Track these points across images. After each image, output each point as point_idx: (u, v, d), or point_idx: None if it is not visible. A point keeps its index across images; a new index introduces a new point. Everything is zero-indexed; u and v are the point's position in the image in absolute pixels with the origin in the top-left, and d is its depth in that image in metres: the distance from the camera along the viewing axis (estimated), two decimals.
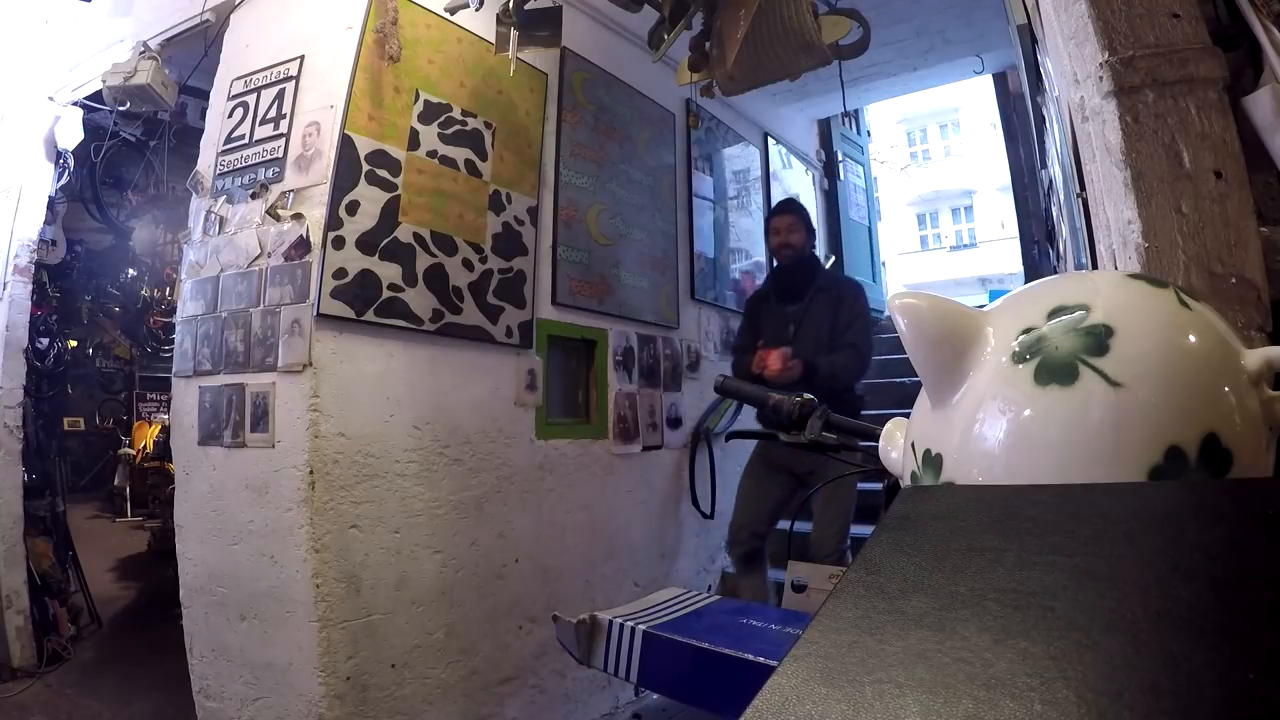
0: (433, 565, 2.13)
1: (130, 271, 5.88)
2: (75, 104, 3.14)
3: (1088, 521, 0.28)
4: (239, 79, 2.31)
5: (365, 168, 2.07)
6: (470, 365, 2.33)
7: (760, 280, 3.99)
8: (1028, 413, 0.37)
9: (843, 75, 3.36)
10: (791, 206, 2.71)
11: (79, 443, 7.09)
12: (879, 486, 0.75)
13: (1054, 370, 0.37)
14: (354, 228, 2.03)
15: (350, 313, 2.00)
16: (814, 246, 2.68)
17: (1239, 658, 0.20)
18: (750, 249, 4.11)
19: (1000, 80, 4.97)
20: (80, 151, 3.41)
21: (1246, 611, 0.22)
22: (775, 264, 2.77)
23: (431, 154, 2.26)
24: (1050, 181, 2.35)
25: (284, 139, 2.11)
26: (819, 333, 2.43)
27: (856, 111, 5.30)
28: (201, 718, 2.05)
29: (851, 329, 2.43)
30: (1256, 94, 0.73)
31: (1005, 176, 5.67)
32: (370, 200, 2.07)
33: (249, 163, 2.18)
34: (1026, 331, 0.39)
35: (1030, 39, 1.89)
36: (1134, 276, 0.41)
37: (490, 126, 2.46)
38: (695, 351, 3.46)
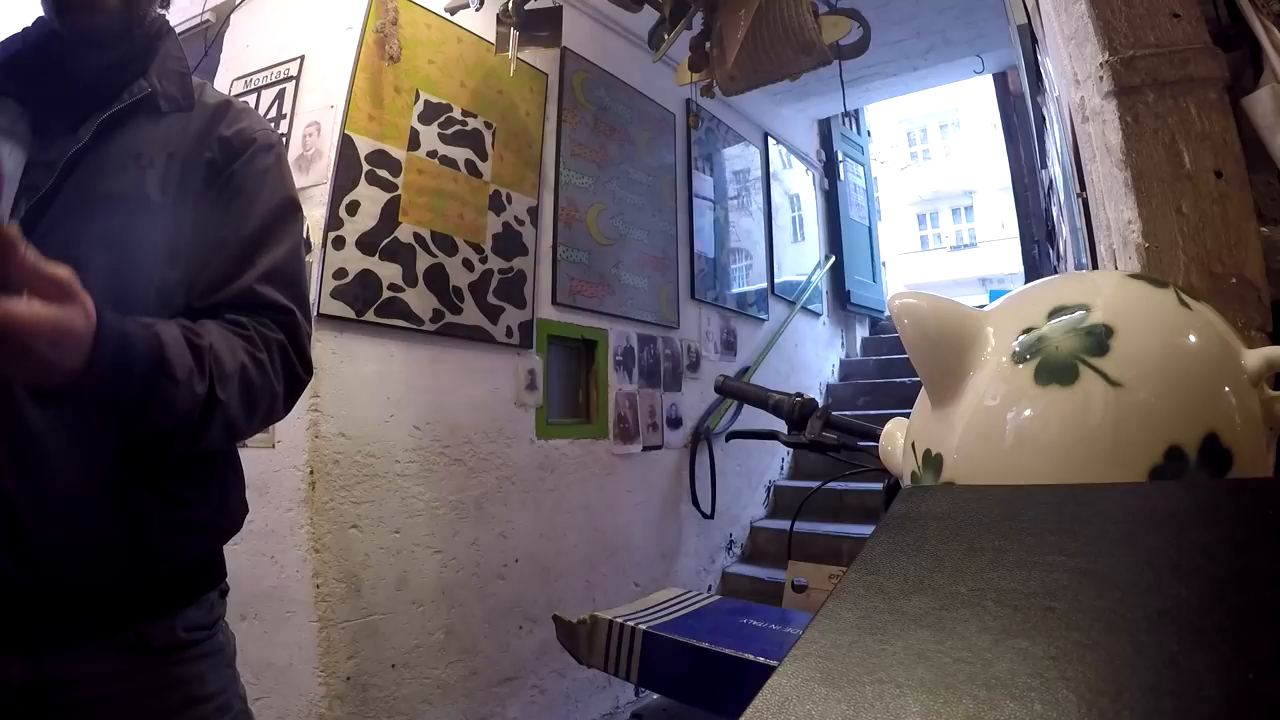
0: (433, 565, 2.13)
1: None
2: None
3: (1088, 522, 0.28)
4: (239, 79, 2.31)
5: (365, 168, 2.07)
6: (470, 365, 2.33)
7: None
8: (1028, 413, 0.37)
9: (843, 75, 3.35)
10: None
11: None
12: (879, 486, 0.75)
13: (1054, 370, 0.37)
14: (354, 228, 2.03)
15: (350, 313, 2.00)
16: None
17: (1239, 658, 0.20)
18: (750, 249, 4.11)
19: (1000, 80, 4.97)
20: None
21: (1246, 611, 0.22)
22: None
23: (432, 154, 2.26)
24: (1050, 181, 2.35)
25: (284, 139, 2.11)
26: (124, 248, 0.71)
27: (856, 111, 5.31)
28: None
29: (259, 254, 0.76)
30: (1256, 94, 0.73)
31: (1005, 176, 5.68)
32: (370, 200, 2.08)
33: None
34: (1026, 331, 0.39)
35: (1030, 39, 1.89)
36: (1134, 276, 0.41)
37: (490, 127, 2.46)
38: (695, 351, 3.46)
